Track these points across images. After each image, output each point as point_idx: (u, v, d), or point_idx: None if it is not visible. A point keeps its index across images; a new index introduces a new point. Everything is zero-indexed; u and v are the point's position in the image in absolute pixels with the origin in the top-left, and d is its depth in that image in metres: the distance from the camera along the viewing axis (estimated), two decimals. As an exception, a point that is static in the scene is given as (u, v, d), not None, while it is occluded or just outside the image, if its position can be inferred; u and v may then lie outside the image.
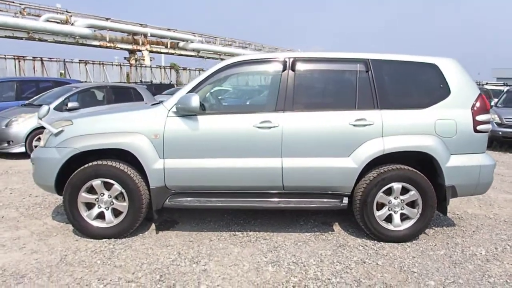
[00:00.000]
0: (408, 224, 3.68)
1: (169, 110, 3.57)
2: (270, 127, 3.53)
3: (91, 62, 23.22)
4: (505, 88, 13.45)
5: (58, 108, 7.55)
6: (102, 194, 3.60)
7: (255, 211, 4.32)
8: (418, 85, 3.75)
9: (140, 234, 3.76)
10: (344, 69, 3.74)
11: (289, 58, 3.67)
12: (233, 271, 3.08)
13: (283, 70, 3.65)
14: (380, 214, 3.66)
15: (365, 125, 3.55)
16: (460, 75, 3.74)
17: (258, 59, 3.75)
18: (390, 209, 3.67)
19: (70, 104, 7.56)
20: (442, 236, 3.88)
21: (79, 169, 3.54)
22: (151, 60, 34.34)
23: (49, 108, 3.75)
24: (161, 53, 38.40)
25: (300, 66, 3.66)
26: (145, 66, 27.78)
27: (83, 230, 3.62)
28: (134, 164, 3.61)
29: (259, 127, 3.53)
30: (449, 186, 3.61)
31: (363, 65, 3.68)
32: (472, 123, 3.61)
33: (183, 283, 2.88)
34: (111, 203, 3.62)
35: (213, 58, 44.72)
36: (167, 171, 3.55)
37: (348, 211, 3.82)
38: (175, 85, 23.55)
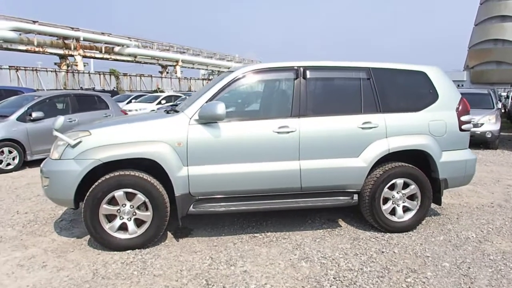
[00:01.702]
0: (409, 215, 4.10)
1: (190, 118, 3.63)
2: (288, 132, 3.75)
3: (23, 68, 21.56)
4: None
5: (21, 119, 7.08)
6: (124, 205, 3.55)
7: (263, 213, 4.48)
8: (411, 91, 4.21)
9: (162, 243, 3.76)
10: (349, 76, 4.08)
11: (301, 66, 3.92)
12: (272, 270, 3.24)
13: (296, 78, 3.89)
14: (385, 208, 4.03)
15: (371, 128, 3.91)
16: (445, 81, 4.26)
17: (273, 67, 3.94)
18: (393, 202, 4.07)
19: (34, 114, 7.12)
20: (434, 224, 4.36)
21: (100, 180, 3.46)
22: (84, 66, 32.70)
23: (64, 119, 3.60)
24: (96, 58, 36.69)
25: (311, 74, 3.92)
26: (83, 72, 26.38)
27: (106, 243, 3.54)
28: (151, 173, 3.61)
29: (278, 132, 3.73)
30: (442, 179, 4.10)
31: (365, 73, 4.05)
32: (457, 123, 4.14)
33: (232, 285, 2.98)
34: (134, 213, 3.58)
35: (150, 63, 43.73)
36: (191, 178, 3.60)
37: (347, 208, 4.14)
38: (119, 92, 22.71)
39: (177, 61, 44.34)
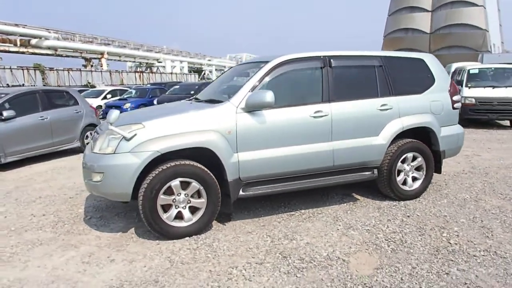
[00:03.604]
0: (417, 184, 4.71)
1: (237, 107, 3.80)
2: (322, 116, 4.09)
3: None
4: None
5: (-10, 118, 6.48)
6: (179, 194, 3.63)
7: (287, 195, 4.76)
8: (414, 76, 4.78)
9: (213, 229, 3.90)
10: (366, 64, 4.52)
11: (326, 56, 4.28)
12: (330, 239, 3.60)
13: (323, 66, 4.24)
14: (399, 179, 4.59)
15: (387, 109, 4.42)
16: (438, 66, 4.92)
17: (303, 57, 4.22)
18: (405, 174, 4.64)
19: (5, 113, 6.57)
20: (432, 191, 5.04)
21: (157, 171, 3.50)
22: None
23: (119, 113, 3.54)
24: (10, 52, 33.33)
25: (335, 63, 4.29)
26: (4, 68, 23.88)
27: (165, 232, 3.59)
28: (199, 161, 3.73)
29: (314, 117, 4.06)
30: (442, 151, 4.76)
31: (378, 61, 4.53)
32: (450, 103, 4.83)
33: (306, 255, 3.28)
34: (188, 201, 3.68)
35: (73, 56, 40.84)
36: (241, 164, 3.79)
37: (359, 184, 4.64)
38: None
39: (102, 54, 41.92)
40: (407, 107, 4.53)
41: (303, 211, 4.37)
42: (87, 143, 8.20)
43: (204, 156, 3.71)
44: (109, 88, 18.05)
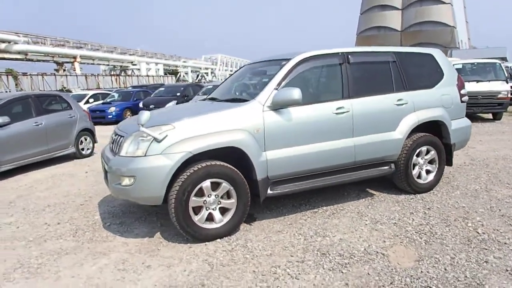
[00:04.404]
0: (431, 177, 4.82)
1: (263, 105, 3.78)
2: (343, 112, 4.12)
3: None
4: None
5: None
6: (209, 195, 3.58)
7: (306, 193, 4.77)
8: (425, 71, 4.89)
9: (241, 230, 3.85)
10: (380, 60, 4.58)
11: (344, 52, 4.31)
12: (361, 234, 3.63)
13: (342, 63, 4.27)
14: (414, 172, 4.69)
15: (403, 104, 4.50)
16: (446, 61, 5.05)
17: (322, 53, 4.22)
18: (419, 167, 4.74)
19: (0, 120, 6.28)
20: (442, 183, 5.16)
21: (189, 172, 3.43)
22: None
23: (150, 114, 3.44)
24: (-23, 57, 32.03)
25: (353, 59, 4.32)
26: (-26, 74, 22.85)
27: (197, 235, 3.53)
28: (225, 162, 3.69)
29: (336, 113, 4.09)
30: (453, 143, 4.89)
31: (391, 57, 4.61)
32: (459, 96, 4.96)
33: (345, 251, 3.30)
34: (219, 202, 3.63)
35: (44, 60, 39.65)
36: (269, 162, 3.77)
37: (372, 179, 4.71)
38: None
39: (74, 57, 40.84)
40: (421, 101, 4.63)
41: (325, 208, 4.39)
42: (82, 149, 8.02)
43: (229, 156, 3.67)
44: (91, 92, 17.56)
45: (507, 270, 2.89)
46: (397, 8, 60.74)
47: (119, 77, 38.83)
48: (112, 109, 14.36)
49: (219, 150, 3.60)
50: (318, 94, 4.21)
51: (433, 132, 4.83)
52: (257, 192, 3.79)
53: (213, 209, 3.62)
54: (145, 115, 3.37)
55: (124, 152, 3.53)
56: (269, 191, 3.85)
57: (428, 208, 4.24)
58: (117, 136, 3.90)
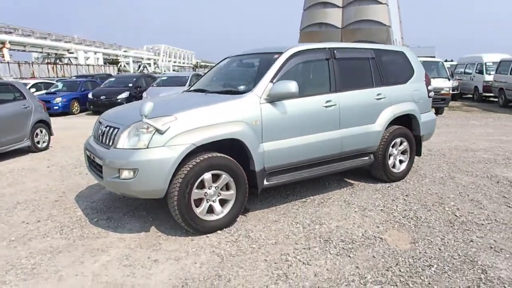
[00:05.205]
0: (403, 166, 5.19)
1: (260, 97, 3.82)
2: (331, 105, 4.30)
3: None
4: None
5: None
6: (210, 187, 3.56)
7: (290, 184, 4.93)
8: (398, 67, 5.22)
9: (238, 221, 3.88)
10: (362, 56, 4.81)
11: (330, 47, 4.47)
12: (355, 221, 3.83)
13: (329, 58, 4.43)
14: (390, 162, 5.02)
15: (381, 98, 4.78)
16: (415, 59, 5.43)
17: (311, 48, 4.34)
18: (394, 158, 5.08)
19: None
20: (411, 172, 5.56)
21: (191, 164, 3.39)
22: None
23: (153, 105, 3.31)
24: None
25: (339, 54, 4.50)
26: None
27: (199, 227, 3.50)
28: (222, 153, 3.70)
29: (325, 106, 4.24)
30: (422, 135, 5.30)
31: (371, 53, 4.86)
32: (426, 92, 5.37)
33: (346, 237, 3.47)
34: (218, 194, 3.63)
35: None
36: (266, 154, 3.83)
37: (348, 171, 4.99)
38: None
39: (3, 43, 37.43)
40: (396, 96, 4.95)
41: (312, 197, 4.55)
42: (37, 142, 7.48)
43: (226, 148, 3.68)
44: (32, 81, 16.25)
45: (491, 248, 3.23)
46: (338, 6, 62.83)
47: (55, 66, 36.23)
48: (58, 99, 13.45)
49: (218, 142, 3.60)
50: (309, 87, 4.33)
51: (405, 124, 5.18)
52: (253, 184, 3.84)
53: (213, 201, 3.61)
54: (148, 105, 3.26)
55: (122, 145, 3.39)
56: (265, 182, 3.91)
57: (406, 195, 4.57)
58: (107, 127, 3.72)
